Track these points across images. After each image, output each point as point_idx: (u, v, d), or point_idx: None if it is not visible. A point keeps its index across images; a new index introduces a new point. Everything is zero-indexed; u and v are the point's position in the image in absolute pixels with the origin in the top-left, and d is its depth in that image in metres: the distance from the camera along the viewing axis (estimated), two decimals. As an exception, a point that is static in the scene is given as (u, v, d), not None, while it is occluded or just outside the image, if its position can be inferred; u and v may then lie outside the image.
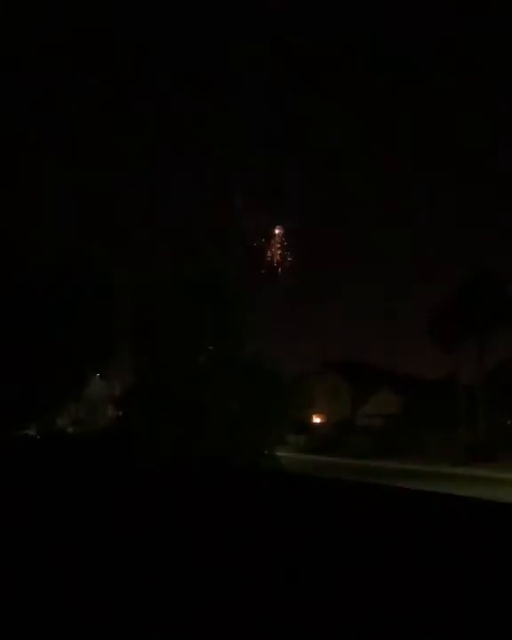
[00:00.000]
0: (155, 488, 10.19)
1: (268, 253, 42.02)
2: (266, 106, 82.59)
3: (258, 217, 41.82)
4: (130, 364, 25.23)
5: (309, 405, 37.36)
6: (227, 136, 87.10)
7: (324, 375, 57.65)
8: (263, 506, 8.31)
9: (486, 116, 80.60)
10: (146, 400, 20.72)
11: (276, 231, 43.37)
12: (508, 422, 40.97)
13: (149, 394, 20.92)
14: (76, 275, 29.08)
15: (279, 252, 43.28)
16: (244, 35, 76.88)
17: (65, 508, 8.32)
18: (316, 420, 53.79)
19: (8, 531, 7.15)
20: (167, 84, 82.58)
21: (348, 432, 47.11)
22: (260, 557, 5.85)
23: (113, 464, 11.17)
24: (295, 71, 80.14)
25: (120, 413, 22.06)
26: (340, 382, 57.23)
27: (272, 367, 23.12)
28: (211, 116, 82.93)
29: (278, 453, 23.36)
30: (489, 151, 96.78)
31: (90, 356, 30.30)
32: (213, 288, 22.40)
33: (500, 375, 41.48)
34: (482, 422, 39.44)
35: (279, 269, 41.85)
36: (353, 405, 55.16)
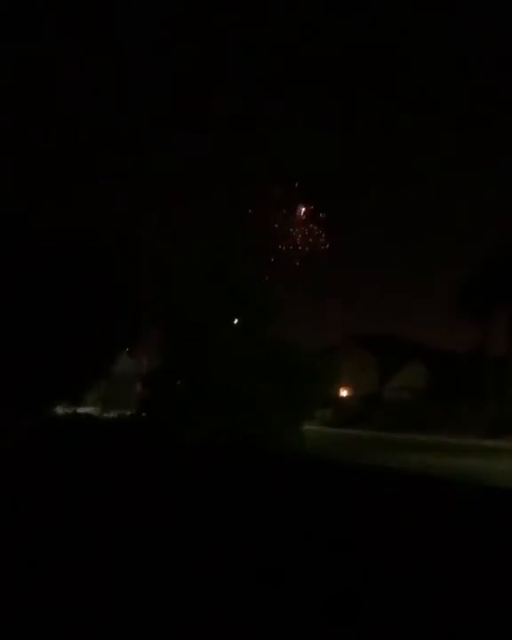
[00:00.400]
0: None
1: (293, 231, 41.72)
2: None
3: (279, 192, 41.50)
4: (157, 344, 25.31)
5: (336, 379, 37.27)
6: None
7: (351, 348, 57.48)
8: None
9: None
10: (173, 383, 20.77)
11: (302, 210, 43.00)
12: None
13: (176, 377, 20.96)
14: (101, 254, 29.27)
15: (303, 230, 43.00)
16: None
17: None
18: (343, 393, 53.74)
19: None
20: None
21: (375, 405, 47.00)
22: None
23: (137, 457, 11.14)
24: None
25: (147, 395, 22.05)
26: (367, 356, 56.97)
27: (298, 346, 23.04)
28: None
29: (306, 427, 23.27)
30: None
31: (117, 335, 30.61)
32: (238, 267, 22.27)
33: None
34: (510, 394, 39.01)
35: (302, 247, 41.56)
36: (380, 379, 54.94)
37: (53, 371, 27.58)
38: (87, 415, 25.31)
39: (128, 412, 24.76)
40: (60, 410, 32.34)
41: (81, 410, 40.98)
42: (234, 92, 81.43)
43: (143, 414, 21.71)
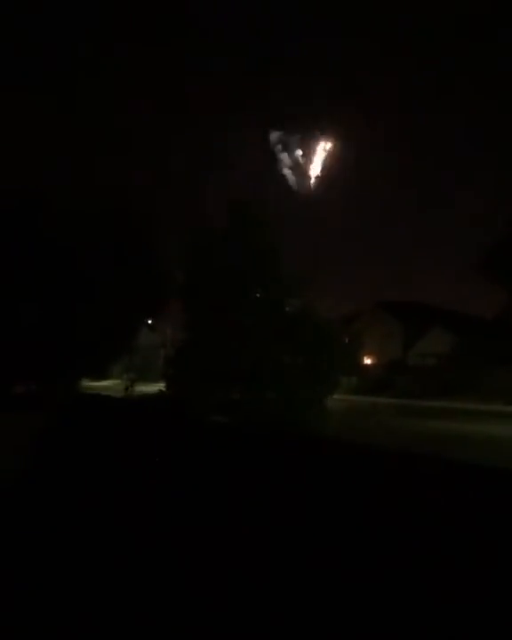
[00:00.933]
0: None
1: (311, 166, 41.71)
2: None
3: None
4: (180, 319, 25.35)
5: (361, 348, 37.15)
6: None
7: (376, 315, 57.26)
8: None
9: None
10: (197, 360, 20.77)
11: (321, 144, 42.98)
12: None
13: (200, 353, 20.96)
14: (123, 226, 29.37)
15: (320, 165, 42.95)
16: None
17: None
18: (368, 360, 53.62)
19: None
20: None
21: (399, 372, 46.88)
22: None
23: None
24: None
25: (171, 374, 22.08)
26: (392, 322, 56.68)
27: (324, 316, 22.93)
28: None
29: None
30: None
31: (140, 307, 30.83)
32: (261, 238, 22.09)
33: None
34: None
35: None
36: (405, 345, 54.68)
37: (77, 344, 27.93)
38: (105, 399, 25.41)
39: (153, 387, 24.91)
40: (85, 383, 32.86)
41: (106, 382, 41.58)
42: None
43: (167, 392, 21.74)
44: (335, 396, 22.23)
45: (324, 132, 51.62)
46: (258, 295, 22.70)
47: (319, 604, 3.96)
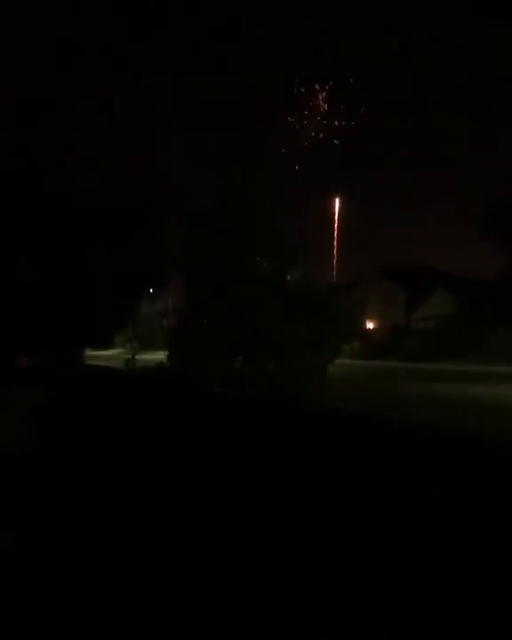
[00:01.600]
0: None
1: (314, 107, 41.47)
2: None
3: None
4: (181, 289, 25.27)
5: (363, 313, 37.12)
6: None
7: (377, 280, 57.10)
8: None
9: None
10: (198, 331, 20.77)
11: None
12: None
13: (201, 324, 20.95)
14: (121, 200, 29.15)
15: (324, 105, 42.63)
16: None
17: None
18: (370, 325, 53.68)
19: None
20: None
21: (402, 336, 46.96)
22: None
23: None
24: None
25: (173, 345, 22.08)
26: (393, 286, 56.58)
27: (325, 283, 22.82)
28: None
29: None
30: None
31: (141, 277, 30.76)
32: (259, 210, 21.90)
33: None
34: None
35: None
36: (407, 309, 54.68)
37: (80, 315, 27.98)
38: (106, 372, 25.50)
39: (157, 356, 25.00)
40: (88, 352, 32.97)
41: (110, 352, 41.79)
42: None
43: (168, 364, 21.81)
44: (338, 362, 22.33)
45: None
46: (259, 263, 22.59)
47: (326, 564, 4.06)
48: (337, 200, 58.10)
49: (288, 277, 22.38)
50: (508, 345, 36.81)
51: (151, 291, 37.34)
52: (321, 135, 50.59)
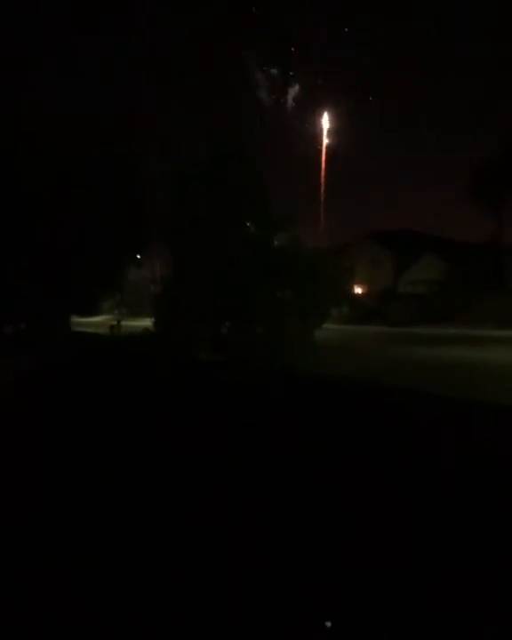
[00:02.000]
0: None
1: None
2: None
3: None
4: (168, 254, 24.98)
5: (352, 278, 36.97)
6: None
7: (366, 244, 56.84)
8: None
9: None
10: (186, 296, 20.54)
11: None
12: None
13: (189, 288, 20.71)
14: (108, 158, 28.55)
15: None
16: None
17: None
18: (359, 290, 53.62)
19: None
20: None
21: (390, 300, 46.95)
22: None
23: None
24: None
25: (160, 310, 21.88)
26: (382, 251, 56.40)
27: (314, 248, 22.66)
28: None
29: (324, 325, 23.31)
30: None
31: (127, 242, 30.35)
32: (247, 172, 21.52)
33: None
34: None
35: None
36: (396, 273, 54.62)
37: (65, 281, 27.67)
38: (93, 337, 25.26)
39: (144, 323, 24.83)
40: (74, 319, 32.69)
41: (97, 318, 41.53)
42: None
43: (154, 330, 21.65)
44: (326, 326, 22.28)
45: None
46: (247, 228, 22.34)
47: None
48: (323, 153, 57.22)
49: (276, 242, 22.19)
50: (495, 308, 36.89)
51: (138, 256, 36.95)
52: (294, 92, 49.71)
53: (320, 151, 49.47)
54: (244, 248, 20.69)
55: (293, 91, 51.41)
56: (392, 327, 38.32)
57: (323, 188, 58.84)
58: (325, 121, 42.04)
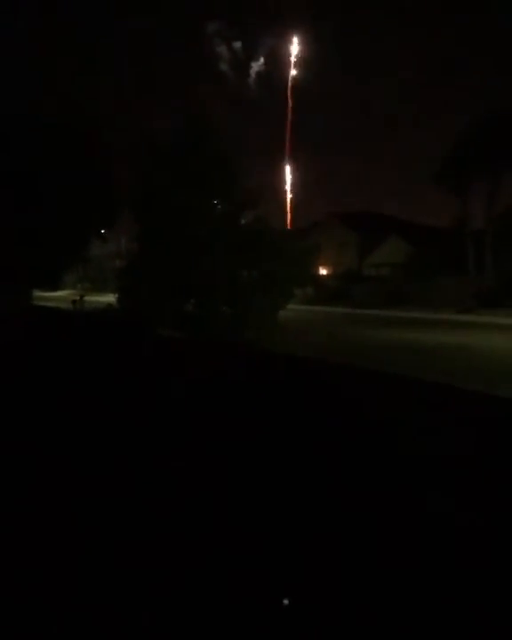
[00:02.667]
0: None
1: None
2: None
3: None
4: (134, 229, 24.66)
5: (317, 259, 37.04)
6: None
7: (331, 225, 56.98)
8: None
9: None
10: (150, 272, 20.34)
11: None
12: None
13: (153, 265, 20.50)
14: (69, 133, 27.92)
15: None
16: None
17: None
18: (324, 271, 53.84)
19: None
20: None
21: (354, 282, 47.25)
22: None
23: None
24: None
25: (124, 285, 21.65)
26: (347, 232, 56.59)
27: (280, 228, 22.60)
28: None
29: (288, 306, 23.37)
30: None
31: (92, 216, 29.85)
32: (216, 148, 21.29)
33: (508, 220, 40.55)
34: (490, 269, 39.25)
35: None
36: (361, 255, 54.93)
37: (26, 253, 27.14)
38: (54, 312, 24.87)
39: (107, 298, 24.56)
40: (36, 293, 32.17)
41: (59, 293, 40.96)
42: None
43: (118, 306, 21.42)
44: (294, 307, 22.35)
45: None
46: (215, 206, 22.16)
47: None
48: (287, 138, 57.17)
49: (242, 221, 22.10)
50: (457, 292, 37.40)
51: (102, 231, 36.44)
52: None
53: (286, 127, 49.11)
54: (212, 225, 20.54)
55: (258, 65, 50.93)
56: (355, 309, 38.60)
57: (288, 168, 58.77)
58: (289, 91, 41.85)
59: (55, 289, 36.40)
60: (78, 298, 31.03)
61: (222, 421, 6.49)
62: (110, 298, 24.42)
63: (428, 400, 7.89)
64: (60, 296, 40.56)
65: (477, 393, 8.73)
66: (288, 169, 61.72)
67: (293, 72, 50.81)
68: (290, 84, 50.00)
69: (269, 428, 6.13)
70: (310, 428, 6.19)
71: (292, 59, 50.60)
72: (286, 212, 59.21)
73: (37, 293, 34.51)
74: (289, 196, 59.91)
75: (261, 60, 51.53)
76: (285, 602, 3.01)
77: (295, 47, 50.56)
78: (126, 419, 6.69)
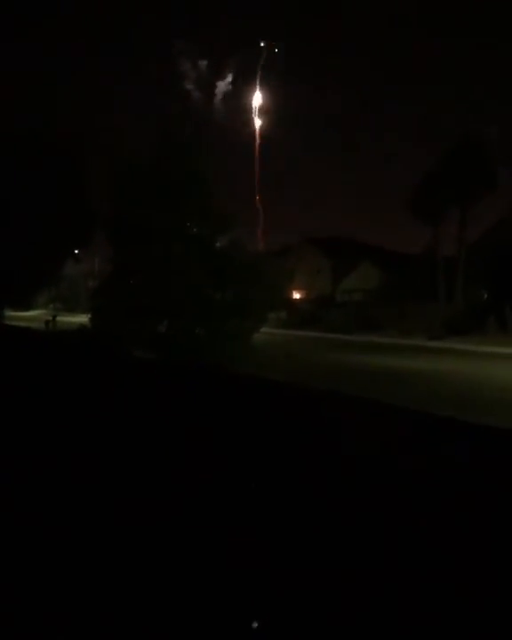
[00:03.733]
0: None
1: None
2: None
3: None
4: (107, 250, 24.67)
5: (290, 282, 37.34)
6: None
7: (305, 250, 57.47)
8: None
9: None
10: (124, 294, 20.31)
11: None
12: (485, 296, 41.28)
13: (127, 286, 20.50)
14: (45, 154, 27.92)
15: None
16: None
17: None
18: (297, 295, 54.18)
19: None
20: None
21: (327, 307, 47.57)
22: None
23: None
24: None
25: (98, 306, 21.54)
26: (321, 257, 57.14)
27: (254, 251, 22.77)
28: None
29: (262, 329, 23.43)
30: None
31: (65, 237, 29.76)
32: (189, 173, 21.46)
33: (479, 249, 41.33)
34: (459, 296, 39.83)
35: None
36: (333, 280, 55.42)
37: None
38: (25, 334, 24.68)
39: (79, 319, 24.41)
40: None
41: (30, 313, 40.61)
42: None
43: (91, 326, 21.28)
44: (267, 330, 22.46)
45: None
46: (189, 227, 22.27)
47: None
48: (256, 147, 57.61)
49: (217, 243, 22.23)
50: (427, 319, 37.79)
51: (76, 251, 36.33)
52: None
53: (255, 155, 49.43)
54: (186, 247, 20.64)
55: (225, 86, 51.61)
56: (327, 333, 38.83)
57: (258, 192, 59.33)
58: (256, 118, 42.26)
59: (27, 309, 36.12)
60: (51, 318, 30.77)
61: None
62: (83, 318, 24.28)
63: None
64: (32, 316, 40.22)
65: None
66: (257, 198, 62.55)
67: (258, 122, 51.42)
68: (257, 131, 50.49)
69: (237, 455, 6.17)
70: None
71: (255, 110, 51.04)
72: (259, 236, 59.67)
73: (9, 313, 34.19)
74: (261, 219, 60.40)
75: (228, 78, 51.90)
76: (254, 625, 3.05)
77: (257, 99, 50.98)
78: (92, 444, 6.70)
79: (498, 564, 3.66)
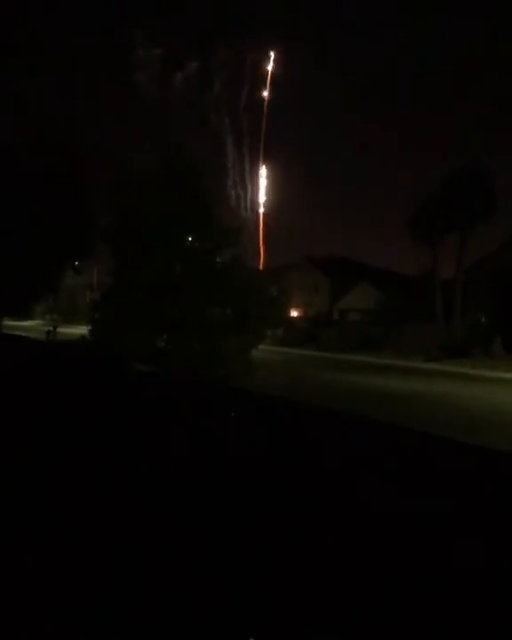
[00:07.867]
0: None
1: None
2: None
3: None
4: (107, 262, 24.75)
5: (289, 300, 37.37)
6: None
7: (305, 269, 57.80)
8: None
9: None
10: (124, 307, 20.37)
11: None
12: (483, 319, 41.44)
13: (127, 300, 20.55)
14: (46, 165, 28.06)
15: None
16: None
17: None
18: (295, 313, 54.33)
19: None
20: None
21: (325, 325, 47.67)
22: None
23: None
24: None
25: (97, 318, 21.56)
26: (320, 276, 57.43)
27: (255, 268, 22.87)
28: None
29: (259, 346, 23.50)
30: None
31: (65, 247, 29.82)
32: (193, 186, 21.62)
33: (477, 271, 41.59)
34: (457, 319, 39.95)
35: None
36: (331, 300, 55.64)
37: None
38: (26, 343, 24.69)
39: (77, 330, 24.43)
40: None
41: (29, 322, 40.63)
42: None
43: (91, 338, 21.31)
44: (261, 347, 22.50)
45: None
46: (191, 243, 22.38)
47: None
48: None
49: (218, 259, 22.33)
50: (425, 340, 37.88)
51: (76, 263, 36.37)
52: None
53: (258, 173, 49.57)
54: (187, 261, 20.74)
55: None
56: (324, 352, 38.89)
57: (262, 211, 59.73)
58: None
59: (26, 318, 36.14)
60: (52, 328, 30.80)
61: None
62: (81, 329, 24.30)
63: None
64: (30, 326, 40.24)
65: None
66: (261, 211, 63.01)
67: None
68: (261, 154, 51.08)
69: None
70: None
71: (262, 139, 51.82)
72: (259, 254, 60.04)
73: (7, 322, 34.19)
74: (261, 236, 60.86)
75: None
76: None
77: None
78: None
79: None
